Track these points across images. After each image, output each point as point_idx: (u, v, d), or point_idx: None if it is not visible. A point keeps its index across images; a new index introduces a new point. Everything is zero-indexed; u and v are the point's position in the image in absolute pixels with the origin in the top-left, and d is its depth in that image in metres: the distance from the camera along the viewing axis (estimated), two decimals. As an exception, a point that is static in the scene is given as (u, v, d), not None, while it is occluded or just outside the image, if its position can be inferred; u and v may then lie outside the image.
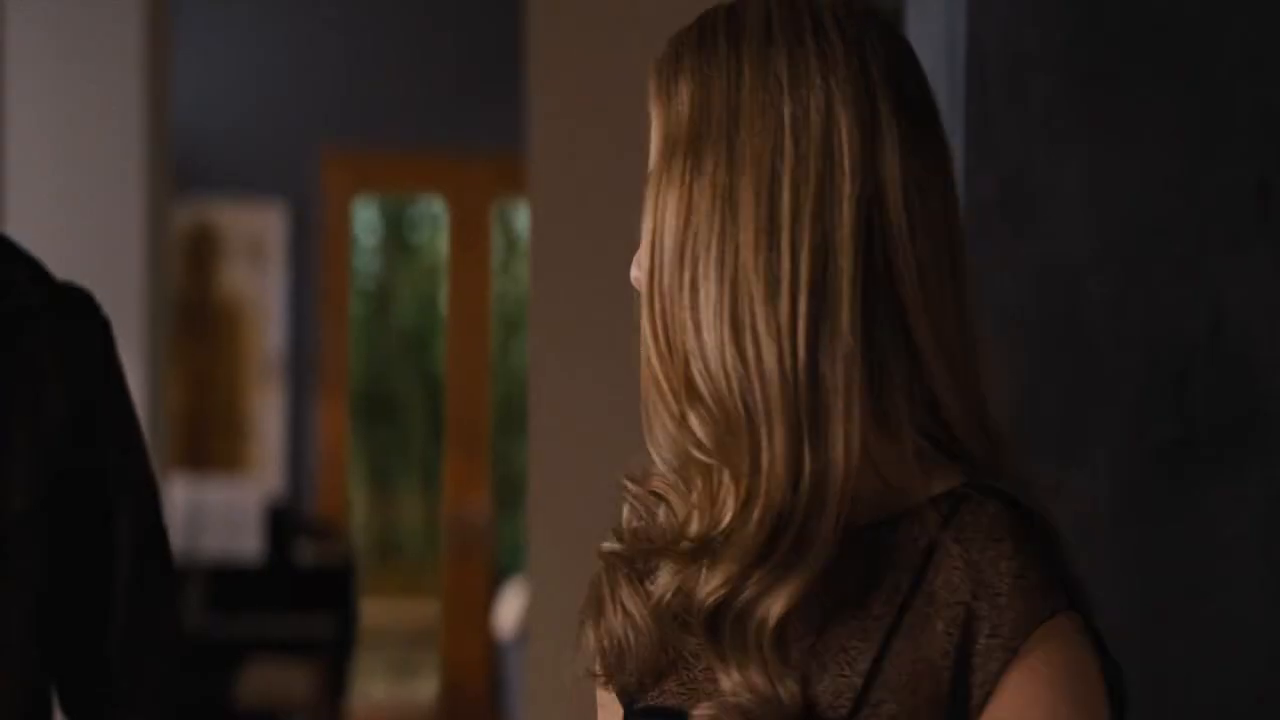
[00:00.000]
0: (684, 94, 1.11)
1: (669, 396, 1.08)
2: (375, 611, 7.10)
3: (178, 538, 5.64)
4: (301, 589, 6.20)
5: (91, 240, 4.82)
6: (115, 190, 5.04)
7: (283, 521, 6.42)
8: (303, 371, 7.04)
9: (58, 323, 1.52)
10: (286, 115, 7.06)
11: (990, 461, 1.09)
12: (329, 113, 7.09)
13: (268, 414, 6.96)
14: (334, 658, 6.07)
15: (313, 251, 7.08)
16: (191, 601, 5.91)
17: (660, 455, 1.09)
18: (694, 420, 1.06)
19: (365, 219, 7.47)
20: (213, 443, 6.90)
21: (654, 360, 1.09)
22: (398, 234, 7.60)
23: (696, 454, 1.06)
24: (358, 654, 6.47)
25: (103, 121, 5.04)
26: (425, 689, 7.24)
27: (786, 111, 1.06)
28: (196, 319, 6.93)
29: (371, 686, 7.22)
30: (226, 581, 6.07)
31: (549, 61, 3.94)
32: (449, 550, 7.03)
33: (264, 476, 6.82)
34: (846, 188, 1.05)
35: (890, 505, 1.07)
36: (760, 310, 1.05)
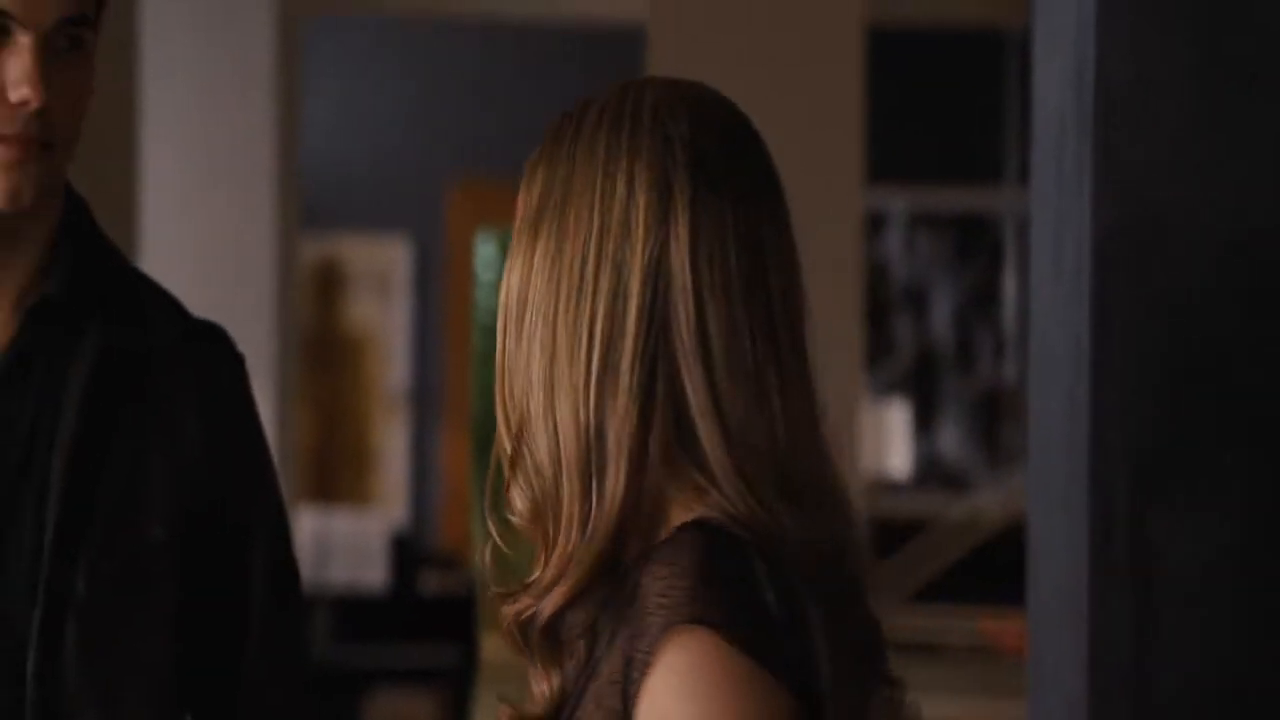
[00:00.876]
0: (537, 178, 1.25)
1: (504, 461, 1.21)
2: (497, 644, 7.15)
3: (305, 568, 5.69)
4: (425, 619, 6.25)
5: (223, 275, 4.92)
6: (246, 226, 5.14)
7: (407, 552, 6.49)
8: (426, 404, 7.12)
9: (195, 359, 1.55)
10: (411, 151, 7.16)
11: (743, 504, 1.16)
12: (453, 148, 7.18)
13: (392, 446, 7.04)
14: (456, 688, 6.12)
15: (436, 285, 7.17)
16: (318, 631, 5.98)
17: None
18: (515, 491, 1.20)
19: (488, 254, 7.55)
20: (339, 475, 6.99)
21: (500, 424, 1.21)
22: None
23: (517, 522, 1.21)
24: (479, 686, 6.52)
25: (235, 159, 5.15)
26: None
27: (599, 187, 1.20)
28: (323, 352, 7.03)
29: (492, 719, 7.25)
30: (352, 612, 6.15)
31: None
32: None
33: (389, 508, 6.90)
34: (638, 253, 1.17)
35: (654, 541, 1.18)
36: (564, 371, 1.17)
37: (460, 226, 7.23)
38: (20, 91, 1.45)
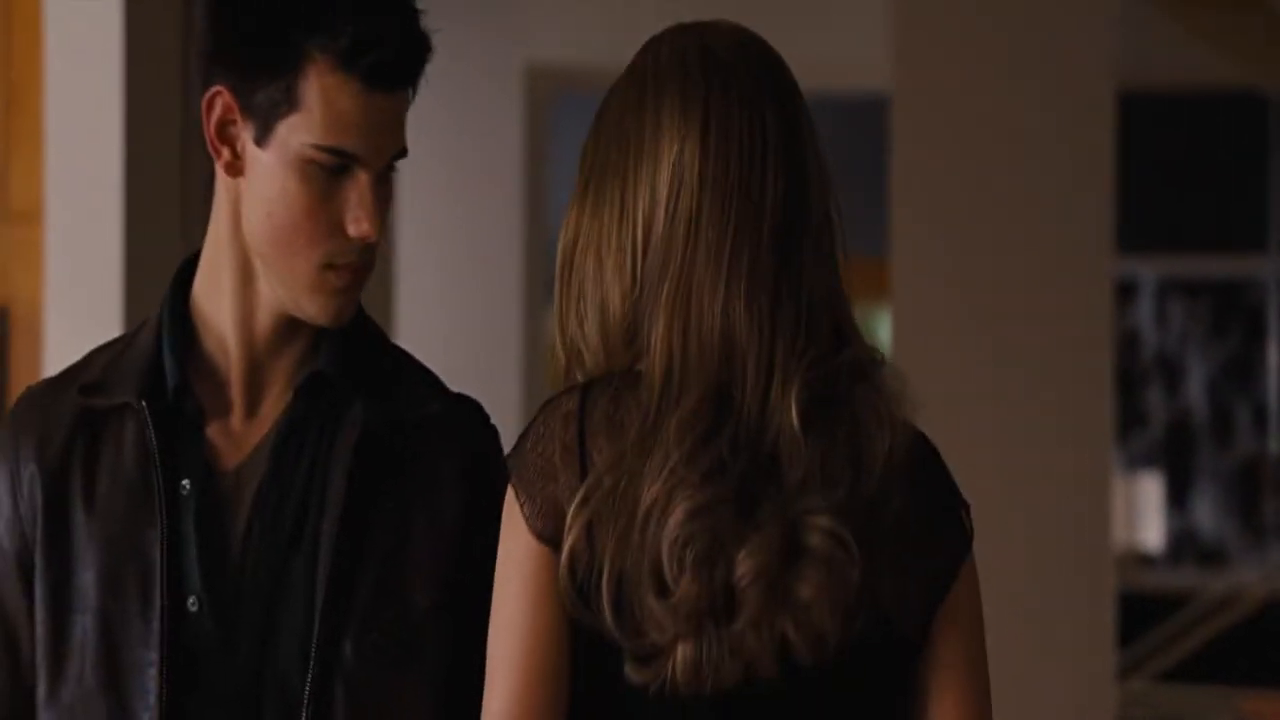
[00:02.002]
0: (585, 151, 1.50)
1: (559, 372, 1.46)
2: None
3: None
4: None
5: (473, 349, 5.02)
6: (495, 302, 5.24)
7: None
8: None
9: (453, 431, 1.59)
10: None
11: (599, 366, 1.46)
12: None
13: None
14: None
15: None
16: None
17: None
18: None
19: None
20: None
21: (559, 348, 1.47)
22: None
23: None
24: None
25: (484, 239, 5.26)
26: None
27: (629, 126, 1.48)
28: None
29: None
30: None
31: (914, 168, 3.95)
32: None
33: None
34: (664, 161, 1.44)
35: None
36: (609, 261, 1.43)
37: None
38: (361, 227, 1.53)
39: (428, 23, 1.57)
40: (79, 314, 2.80)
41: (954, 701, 1.48)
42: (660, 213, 1.41)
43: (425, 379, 1.62)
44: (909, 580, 1.44)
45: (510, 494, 1.43)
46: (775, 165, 1.42)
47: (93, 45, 2.80)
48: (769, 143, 1.43)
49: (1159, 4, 5.14)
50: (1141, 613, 5.92)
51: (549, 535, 1.41)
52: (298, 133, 1.52)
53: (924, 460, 1.52)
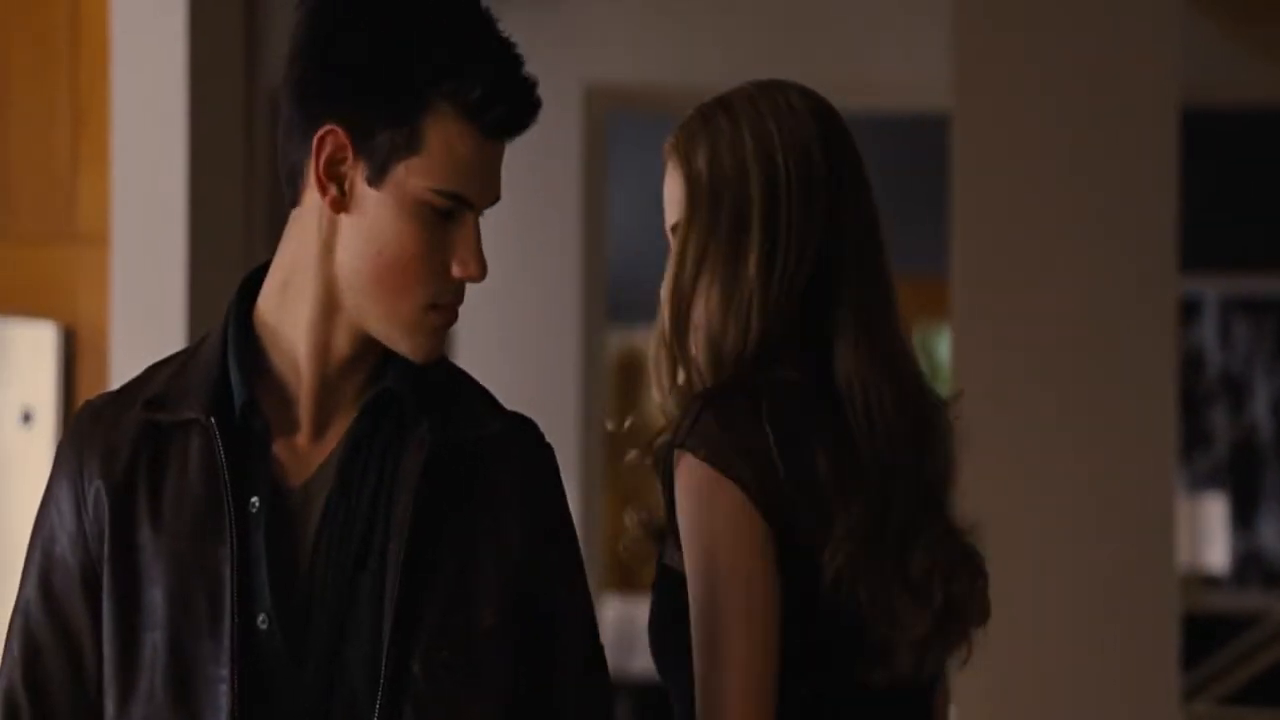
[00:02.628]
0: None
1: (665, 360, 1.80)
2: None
3: (609, 657, 5.74)
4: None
5: (531, 368, 5.03)
6: (553, 321, 5.25)
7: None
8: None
9: (513, 450, 1.60)
10: (711, 244, 7.22)
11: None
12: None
13: (692, 537, 7.04)
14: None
15: (735, 377, 7.18)
16: (621, 718, 6.02)
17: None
18: (679, 375, 1.77)
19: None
20: (642, 565, 7.02)
21: (670, 332, 1.81)
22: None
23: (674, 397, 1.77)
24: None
25: (542, 256, 5.27)
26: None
27: (723, 160, 1.79)
28: (625, 445, 7.09)
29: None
30: (653, 700, 6.17)
31: (976, 187, 3.93)
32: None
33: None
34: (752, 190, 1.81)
35: None
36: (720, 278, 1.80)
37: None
38: (468, 269, 1.58)
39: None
40: (143, 335, 2.83)
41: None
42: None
43: (484, 399, 1.63)
44: None
45: (712, 475, 1.68)
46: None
47: (158, 71, 2.83)
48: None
49: (1222, 21, 5.11)
50: (1206, 635, 5.86)
51: (774, 518, 1.67)
52: (416, 176, 1.54)
53: None
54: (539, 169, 5.27)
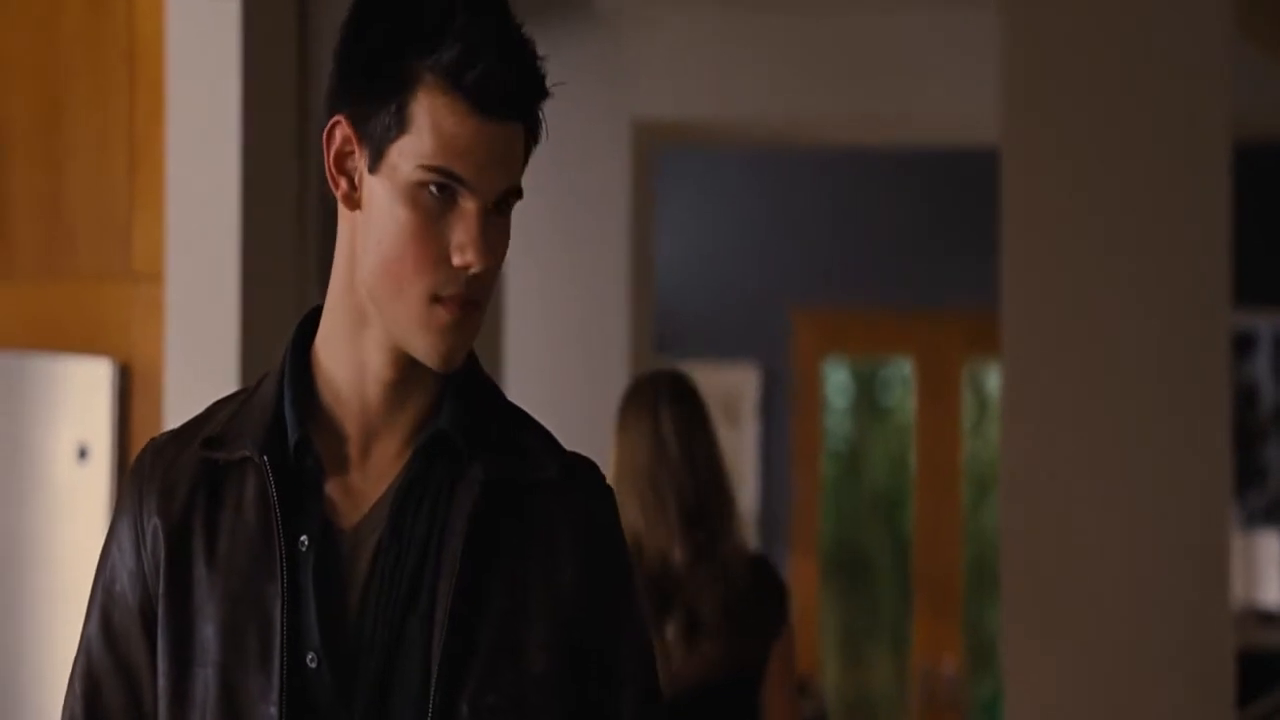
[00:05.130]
0: None
1: None
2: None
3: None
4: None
5: (579, 402, 5.02)
6: (601, 354, 5.25)
7: (756, 680, 6.45)
8: (775, 530, 7.12)
9: (571, 496, 1.58)
10: (757, 278, 7.23)
11: None
12: (798, 275, 7.22)
13: (741, 572, 7.03)
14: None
15: (784, 411, 7.18)
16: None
17: None
18: None
19: (837, 380, 7.53)
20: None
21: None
22: (869, 395, 7.63)
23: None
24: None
25: (591, 292, 5.28)
26: None
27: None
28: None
29: None
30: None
31: (1025, 221, 3.91)
32: (919, 713, 6.92)
33: (738, 634, 6.87)
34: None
35: None
36: None
37: (806, 353, 7.24)
38: (465, 256, 1.50)
39: (548, 72, 1.55)
40: (197, 371, 2.85)
41: None
42: None
43: (542, 440, 1.61)
44: None
45: None
46: None
47: (212, 111, 2.85)
48: None
49: (1274, 55, 5.08)
50: (1261, 672, 5.80)
51: None
52: (407, 156, 1.50)
53: None
54: (587, 203, 5.29)
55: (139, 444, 2.91)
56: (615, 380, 5.25)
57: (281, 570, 1.53)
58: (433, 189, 1.50)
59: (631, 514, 2.85)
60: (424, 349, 1.53)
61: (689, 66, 5.42)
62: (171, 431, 1.65)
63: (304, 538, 1.54)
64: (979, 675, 7.05)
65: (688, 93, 5.43)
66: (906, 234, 7.12)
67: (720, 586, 2.79)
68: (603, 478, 1.62)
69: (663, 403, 2.98)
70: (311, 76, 3.04)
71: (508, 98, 1.50)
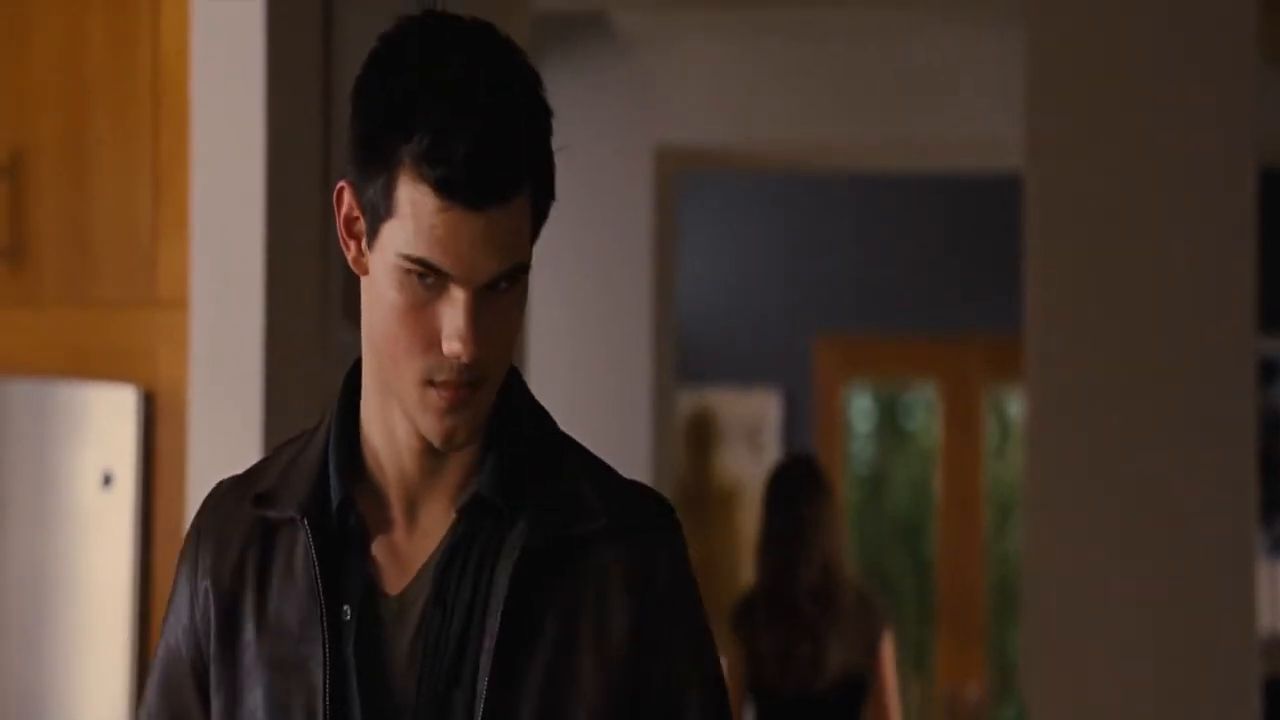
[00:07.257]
0: None
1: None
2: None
3: None
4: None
5: (603, 427, 5.02)
6: (625, 380, 5.25)
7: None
8: (797, 556, 7.09)
9: (626, 540, 1.51)
10: (779, 304, 7.23)
11: None
12: (820, 300, 7.21)
13: (764, 598, 7.01)
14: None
15: (806, 436, 7.17)
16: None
17: None
18: None
19: (860, 406, 7.52)
20: (713, 624, 7.00)
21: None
22: (891, 420, 7.62)
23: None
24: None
25: (614, 316, 5.28)
26: None
27: None
28: (696, 502, 7.10)
29: None
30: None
31: (1049, 246, 3.91)
32: (943, 739, 6.90)
33: (761, 660, 6.85)
34: None
35: None
36: None
37: (828, 378, 7.24)
38: (452, 346, 1.42)
39: (556, 120, 1.45)
40: (221, 398, 2.85)
41: None
42: None
43: (594, 482, 1.53)
44: None
45: None
46: None
47: (237, 139, 2.86)
48: None
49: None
50: (1287, 700, 5.76)
51: None
52: (394, 239, 1.42)
53: None
54: (610, 229, 5.29)
55: (163, 471, 2.91)
56: (638, 406, 5.24)
57: (325, 637, 1.49)
58: (418, 276, 1.42)
59: None
60: (425, 429, 1.47)
61: (712, 93, 5.42)
62: (235, 478, 1.60)
63: (346, 607, 1.50)
64: (1002, 699, 7.02)
65: (711, 119, 5.43)
66: (929, 259, 7.11)
67: None
68: (665, 514, 1.53)
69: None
70: (335, 109, 3.05)
71: (486, 188, 1.40)
